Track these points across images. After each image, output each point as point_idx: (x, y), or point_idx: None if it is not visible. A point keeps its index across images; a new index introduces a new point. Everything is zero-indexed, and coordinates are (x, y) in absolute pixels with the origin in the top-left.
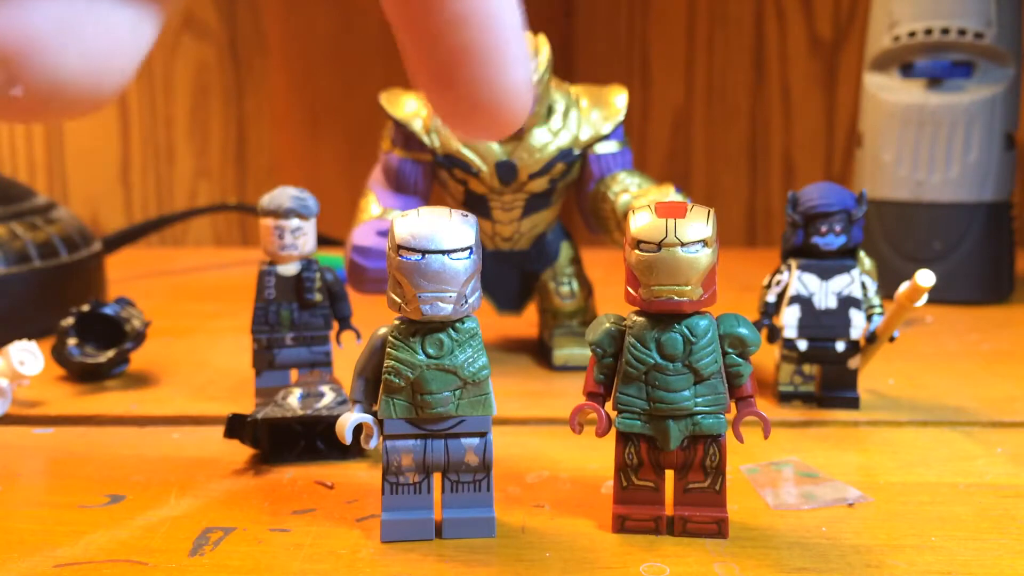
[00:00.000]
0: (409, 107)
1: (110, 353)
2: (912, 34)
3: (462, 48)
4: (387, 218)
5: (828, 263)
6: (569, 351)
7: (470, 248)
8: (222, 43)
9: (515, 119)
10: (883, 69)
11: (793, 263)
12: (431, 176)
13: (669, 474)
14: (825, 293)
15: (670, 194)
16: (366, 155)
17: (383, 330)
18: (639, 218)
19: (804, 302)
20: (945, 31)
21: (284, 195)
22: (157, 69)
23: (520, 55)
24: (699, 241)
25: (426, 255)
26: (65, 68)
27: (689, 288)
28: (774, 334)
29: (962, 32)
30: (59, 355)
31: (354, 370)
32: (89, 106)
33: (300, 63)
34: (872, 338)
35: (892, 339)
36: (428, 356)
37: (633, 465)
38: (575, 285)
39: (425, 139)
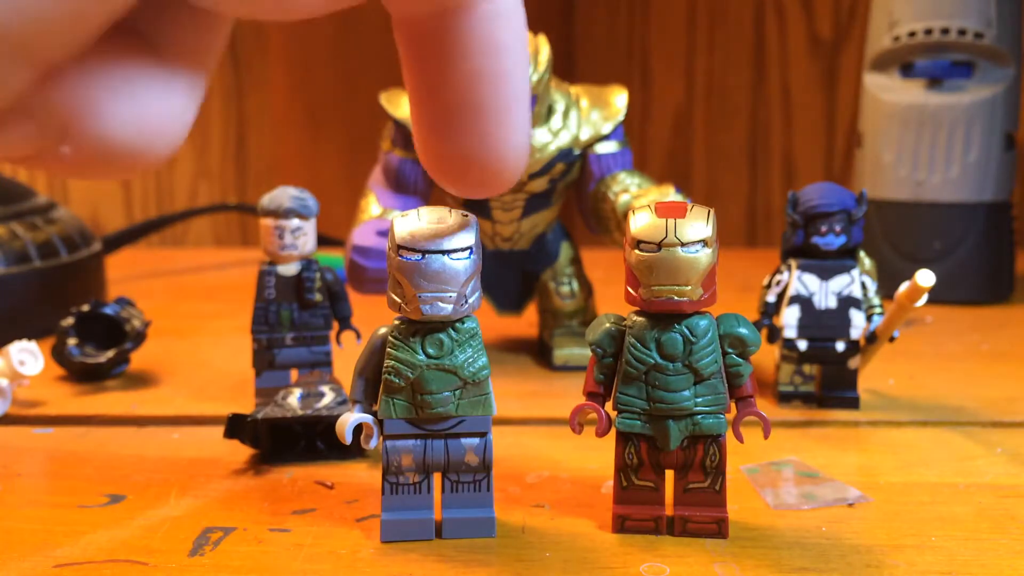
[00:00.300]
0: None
1: (110, 353)
2: (912, 34)
3: (472, 103)
4: (387, 218)
5: (828, 263)
6: (569, 351)
7: (470, 248)
8: None
9: (508, 180)
10: (883, 69)
11: (793, 263)
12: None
13: (669, 474)
14: (825, 293)
15: (670, 194)
16: (366, 155)
17: (383, 330)
18: (639, 218)
19: (804, 302)
20: (945, 31)
21: (284, 195)
22: None
23: (523, 119)
24: (699, 241)
25: (426, 255)
26: (115, 132)
27: (689, 288)
28: (774, 334)
29: (962, 32)
30: (59, 355)
31: (354, 370)
32: (137, 169)
33: (300, 63)
34: (872, 338)
35: (892, 339)
36: (428, 356)
37: (633, 465)
38: (575, 285)
39: None
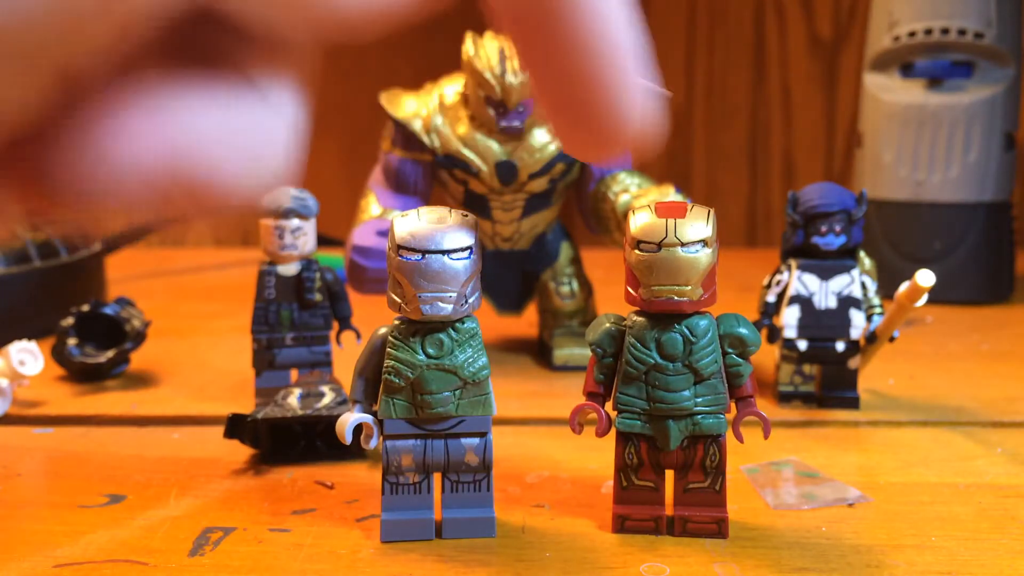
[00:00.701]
0: (409, 107)
1: (110, 353)
2: (912, 34)
3: (590, 92)
4: (387, 218)
5: (828, 263)
6: (569, 351)
7: (470, 248)
8: None
9: (646, 143)
10: (883, 69)
11: (793, 263)
12: (431, 176)
13: (669, 474)
14: (825, 293)
15: (670, 194)
16: (366, 155)
17: (383, 330)
18: (639, 218)
19: (804, 302)
20: (945, 31)
21: (284, 195)
22: None
23: (639, 87)
24: (699, 241)
25: (426, 255)
26: (228, 171)
27: (689, 288)
28: (774, 334)
29: (962, 32)
30: (59, 355)
31: (354, 370)
32: (245, 206)
33: None
34: (872, 338)
35: (892, 339)
36: (428, 356)
37: (633, 465)
38: (575, 285)
39: (425, 139)
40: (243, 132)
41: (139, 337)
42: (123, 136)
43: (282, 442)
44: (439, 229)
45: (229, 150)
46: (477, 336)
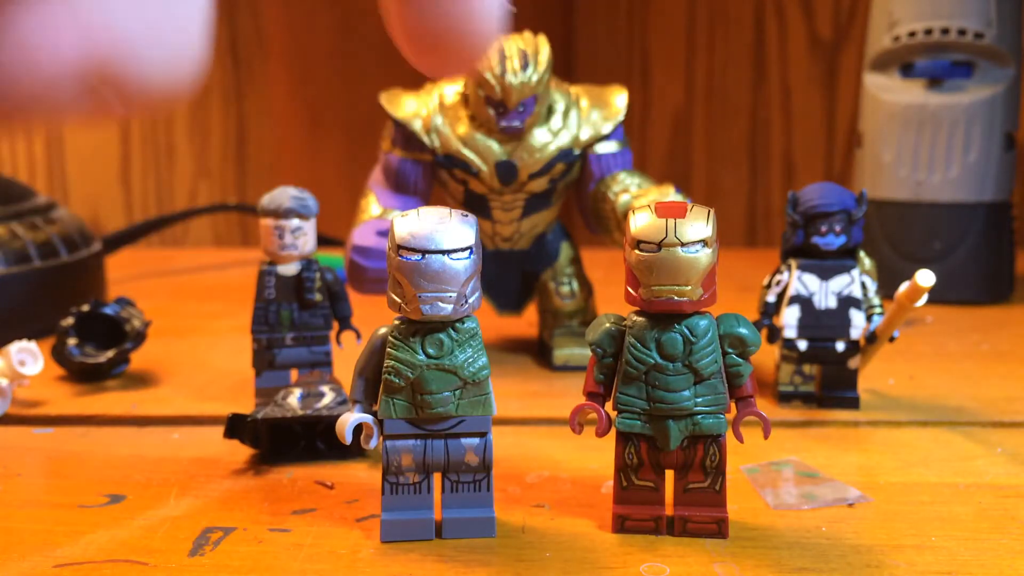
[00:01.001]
0: (409, 107)
1: (110, 353)
2: (912, 34)
3: None
4: (387, 218)
5: (828, 263)
6: (569, 351)
7: (470, 248)
8: (222, 43)
9: (474, 55)
10: (883, 69)
11: (793, 263)
12: (431, 176)
13: (669, 474)
14: (825, 293)
15: (670, 194)
16: (366, 155)
17: (383, 330)
18: (639, 218)
19: (804, 302)
20: (945, 31)
21: (284, 195)
22: None
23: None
24: (699, 241)
25: (426, 255)
26: (152, 66)
27: (689, 288)
28: (774, 334)
29: (962, 32)
30: (59, 355)
31: (354, 370)
32: (170, 102)
33: (300, 63)
34: (872, 338)
35: (892, 339)
36: (428, 356)
37: (633, 465)
38: (575, 285)
39: (425, 139)
40: (159, 22)
41: (139, 337)
42: (42, 31)
43: (282, 442)
44: (439, 229)
45: (148, 41)
46: (477, 336)
